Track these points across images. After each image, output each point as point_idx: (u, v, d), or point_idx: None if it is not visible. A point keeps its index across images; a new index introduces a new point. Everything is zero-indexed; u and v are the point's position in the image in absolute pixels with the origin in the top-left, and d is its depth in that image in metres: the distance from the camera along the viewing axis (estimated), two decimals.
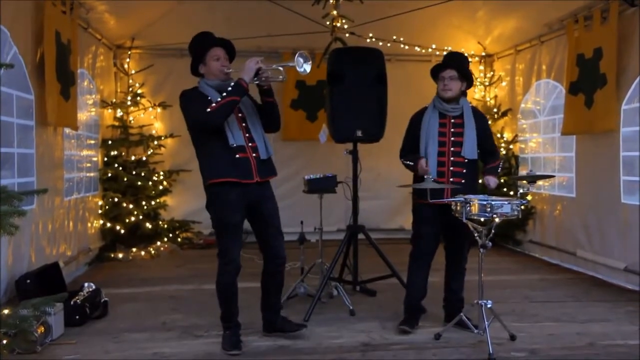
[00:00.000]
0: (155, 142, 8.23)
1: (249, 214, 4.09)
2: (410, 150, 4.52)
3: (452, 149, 4.37)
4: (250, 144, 4.00)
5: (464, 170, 4.38)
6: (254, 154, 3.99)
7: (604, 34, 5.93)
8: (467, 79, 4.52)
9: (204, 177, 4.02)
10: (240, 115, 4.04)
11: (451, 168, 4.35)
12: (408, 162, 4.46)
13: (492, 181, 4.40)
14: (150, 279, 6.32)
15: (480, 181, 4.58)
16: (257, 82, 3.97)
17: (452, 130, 4.41)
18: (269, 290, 4.26)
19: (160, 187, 8.22)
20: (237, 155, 3.94)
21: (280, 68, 4.00)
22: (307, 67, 3.87)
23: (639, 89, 5.59)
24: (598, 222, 6.31)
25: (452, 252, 4.55)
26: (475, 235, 4.06)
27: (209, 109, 3.82)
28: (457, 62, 4.48)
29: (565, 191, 7.05)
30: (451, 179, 4.34)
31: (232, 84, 3.89)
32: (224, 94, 3.85)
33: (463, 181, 4.34)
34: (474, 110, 4.58)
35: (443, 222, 4.39)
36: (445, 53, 4.81)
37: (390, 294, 5.34)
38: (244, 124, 4.03)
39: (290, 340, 4.24)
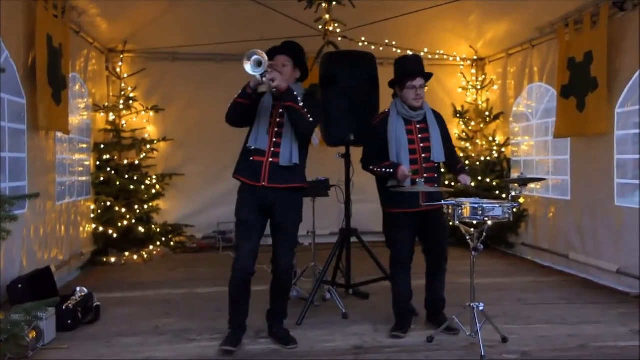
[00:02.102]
0: (148, 146, 8.22)
1: (269, 217, 4.17)
2: (376, 158, 4.43)
3: (423, 155, 4.37)
4: (273, 149, 4.06)
5: (435, 175, 4.41)
6: (271, 159, 4.05)
7: (594, 38, 5.97)
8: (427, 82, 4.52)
9: None
10: (278, 120, 4.10)
11: (425, 174, 4.33)
12: (385, 170, 4.33)
13: (467, 179, 4.45)
14: (143, 283, 6.30)
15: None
16: (267, 86, 4.01)
17: (419, 136, 4.40)
18: (271, 294, 4.32)
19: (153, 191, 8.21)
20: (251, 158, 4.06)
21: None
22: (252, 69, 3.87)
23: (638, 93, 5.59)
24: (592, 224, 6.33)
25: (433, 254, 4.53)
26: (467, 238, 4.08)
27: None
28: (423, 69, 4.46)
29: (560, 194, 7.07)
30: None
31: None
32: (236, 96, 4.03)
33: (436, 185, 4.36)
34: (434, 112, 4.56)
35: (418, 226, 4.40)
36: (400, 58, 4.60)
37: (383, 297, 5.33)
38: (276, 129, 4.09)
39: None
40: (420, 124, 4.43)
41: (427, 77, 4.44)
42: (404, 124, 4.39)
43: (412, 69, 4.40)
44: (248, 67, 3.86)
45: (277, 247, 4.20)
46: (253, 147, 4.06)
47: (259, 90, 4.06)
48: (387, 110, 4.52)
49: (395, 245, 4.48)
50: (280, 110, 4.08)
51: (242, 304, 4.15)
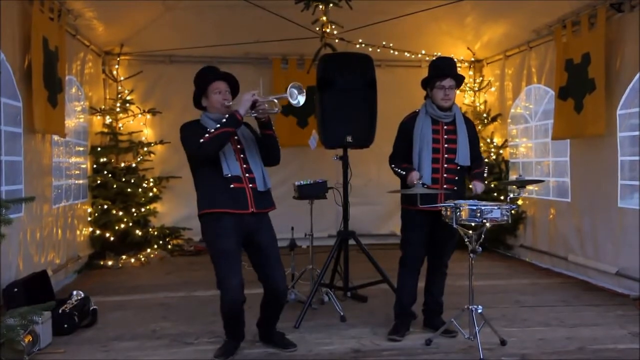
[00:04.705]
0: (145, 149, 8.20)
1: (246, 245, 4.02)
2: (401, 156, 4.48)
3: (445, 155, 4.37)
4: (247, 175, 3.97)
5: (456, 177, 4.39)
6: (250, 185, 3.95)
7: (592, 39, 5.96)
8: (459, 86, 4.53)
9: (198, 207, 3.98)
10: (239, 147, 4.01)
11: (445, 175, 4.34)
12: (400, 171, 4.40)
13: (479, 187, 4.43)
14: (140, 287, 6.27)
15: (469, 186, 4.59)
16: (254, 114, 3.94)
17: (445, 137, 4.40)
18: (269, 317, 4.22)
19: (150, 194, 8.19)
20: (232, 185, 3.91)
21: (275, 100, 3.94)
22: (301, 99, 3.82)
23: (639, 95, 5.57)
24: (592, 226, 6.31)
25: (437, 257, 4.53)
26: (466, 240, 4.06)
27: (202, 140, 3.80)
28: (455, 71, 4.48)
29: (560, 196, 7.04)
30: (444, 185, 4.34)
31: (227, 115, 3.86)
32: (218, 125, 3.83)
33: (455, 188, 4.35)
34: (464, 116, 4.59)
35: (431, 227, 4.39)
36: (435, 59, 4.71)
37: (381, 300, 5.33)
38: (242, 155, 4.00)
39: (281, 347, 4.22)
40: (448, 125, 4.43)
41: (458, 79, 4.44)
42: (431, 124, 4.41)
43: (441, 70, 4.42)
44: (302, 99, 3.83)
45: (270, 271, 4.01)
46: (230, 175, 3.90)
47: (265, 115, 3.97)
48: (417, 110, 4.53)
49: (407, 244, 4.48)
50: (236, 137, 4.00)
51: (239, 323, 4.08)
